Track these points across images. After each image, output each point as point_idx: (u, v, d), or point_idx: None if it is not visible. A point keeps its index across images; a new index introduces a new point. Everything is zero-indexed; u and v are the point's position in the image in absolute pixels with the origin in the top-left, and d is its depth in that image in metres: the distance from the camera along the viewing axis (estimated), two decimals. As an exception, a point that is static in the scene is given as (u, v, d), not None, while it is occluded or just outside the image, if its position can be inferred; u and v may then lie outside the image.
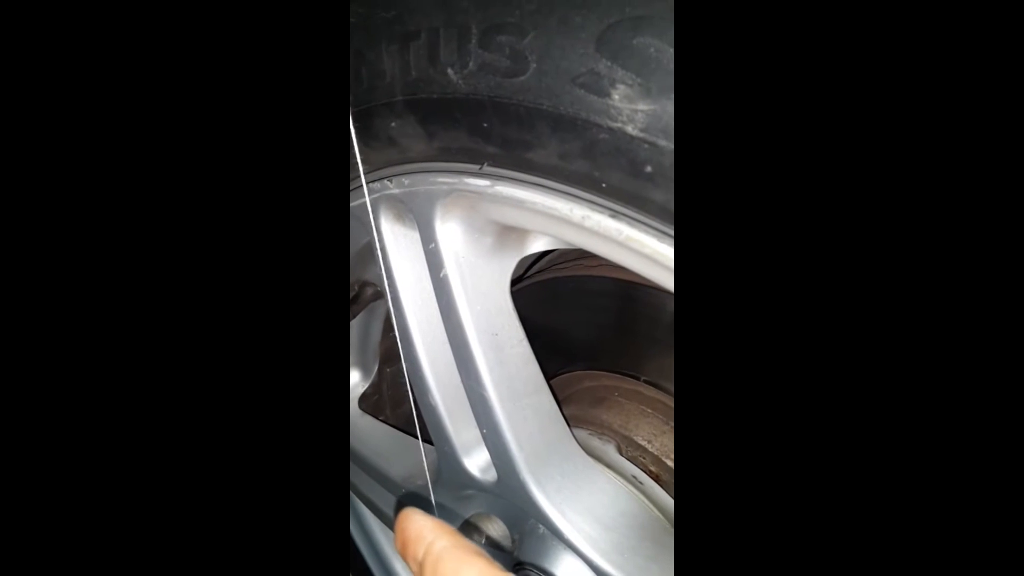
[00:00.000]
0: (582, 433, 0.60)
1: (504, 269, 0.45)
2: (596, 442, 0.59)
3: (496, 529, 0.65)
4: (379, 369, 0.77)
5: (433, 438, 0.55)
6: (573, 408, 0.63)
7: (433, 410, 0.52)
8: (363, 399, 0.76)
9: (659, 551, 0.48)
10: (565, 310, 0.66)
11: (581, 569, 0.52)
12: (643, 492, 0.52)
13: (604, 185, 0.31)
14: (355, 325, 0.71)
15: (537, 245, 0.45)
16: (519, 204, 0.37)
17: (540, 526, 0.53)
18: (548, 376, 0.50)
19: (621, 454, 0.58)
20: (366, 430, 0.73)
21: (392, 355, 0.78)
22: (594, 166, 0.31)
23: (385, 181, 0.44)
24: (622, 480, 0.53)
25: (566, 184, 0.34)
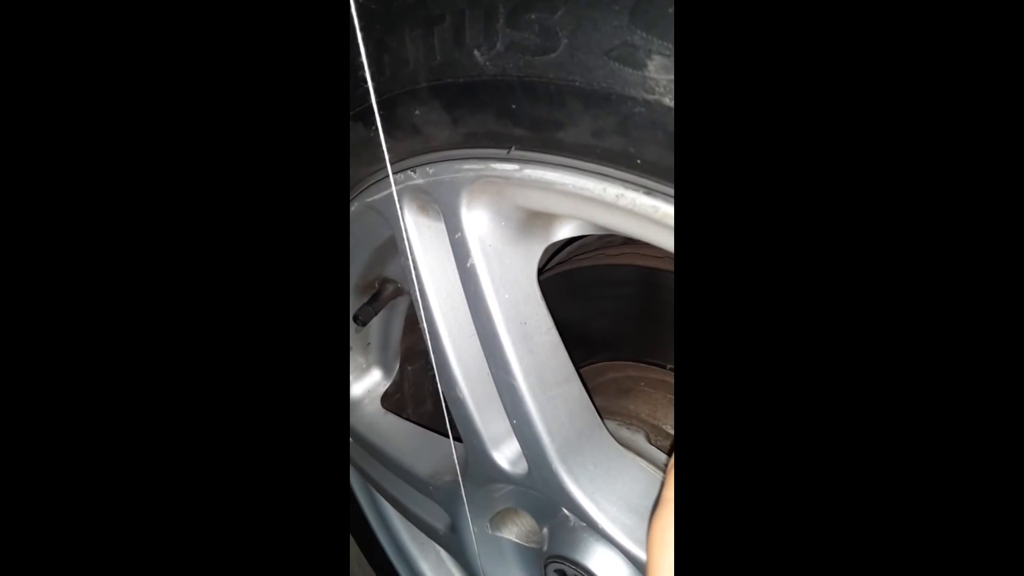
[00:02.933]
0: (611, 423, 0.59)
1: (531, 256, 0.45)
2: (625, 432, 0.58)
3: (524, 524, 0.65)
4: (400, 367, 0.77)
5: (461, 432, 0.54)
6: (600, 399, 0.62)
7: (461, 403, 0.51)
8: (385, 398, 0.75)
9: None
10: (587, 300, 0.65)
11: (615, 559, 0.51)
12: (676, 480, 0.52)
13: (639, 161, 0.31)
14: (376, 323, 0.71)
15: (565, 231, 0.44)
16: (548, 187, 0.36)
17: (570, 518, 0.52)
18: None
19: (650, 443, 0.58)
20: (390, 428, 0.72)
21: (413, 353, 0.77)
22: (629, 142, 0.30)
23: (409, 172, 0.44)
24: (654, 468, 0.52)
25: (598, 163, 0.33)
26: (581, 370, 0.66)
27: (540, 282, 0.47)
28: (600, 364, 0.67)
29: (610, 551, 0.51)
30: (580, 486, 0.48)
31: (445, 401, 0.52)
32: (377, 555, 0.85)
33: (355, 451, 0.77)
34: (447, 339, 0.49)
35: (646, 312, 0.63)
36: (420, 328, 0.51)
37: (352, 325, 0.69)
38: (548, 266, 0.69)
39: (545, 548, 0.57)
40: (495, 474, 0.54)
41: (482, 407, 0.51)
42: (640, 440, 0.57)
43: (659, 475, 0.51)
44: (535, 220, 0.43)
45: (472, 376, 0.50)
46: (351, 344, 0.72)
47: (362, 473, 0.77)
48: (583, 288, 0.64)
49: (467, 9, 0.33)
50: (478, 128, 0.37)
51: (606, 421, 0.59)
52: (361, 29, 0.37)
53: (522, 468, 0.51)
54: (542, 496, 0.52)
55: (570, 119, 0.32)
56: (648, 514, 0.48)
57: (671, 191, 0.32)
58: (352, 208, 0.52)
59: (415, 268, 0.47)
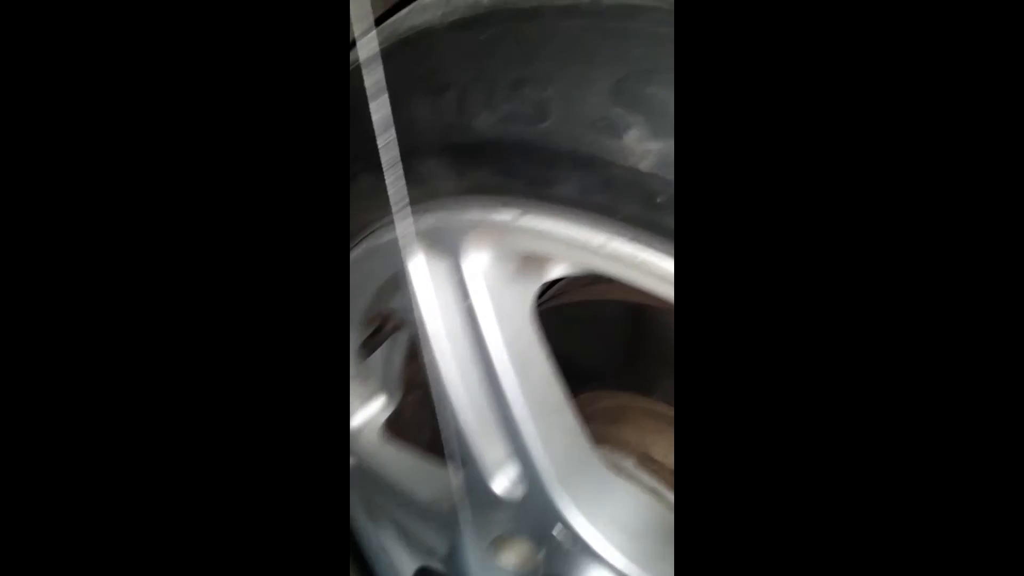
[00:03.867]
0: (601, 450, 0.63)
1: (527, 294, 0.49)
2: (615, 458, 0.61)
3: (520, 550, 0.67)
4: (401, 398, 0.80)
5: (461, 460, 0.57)
6: (591, 427, 0.66)
7: (460, 433, 0.55)
8: (387, 425, 0.78)
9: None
10: (579, 334, 0.69)
11: (607, 579, 0.54)
12: (664, 503, 0.55)
13: (620, 216, 0.35)
14: (379, 354, 0.74)
15: (556, 272, 0.48)
16: (543, 235, 0.41)
17: (565, 542, 0.55)
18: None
19: (640, 469, 0.61)
20: (391, 456, 0.75)
21: (413, 383, 0.81)
22: (611, 199, 0.35)
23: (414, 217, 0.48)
24: (644, 492, 0.55)
25: (586, 213, 0.37)
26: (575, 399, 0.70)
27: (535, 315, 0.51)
28: (593, 394, 0.70)
29: (603, 571, 0.54)
30: (577, 506, 0.51)
31: (445, 431, 0.56)
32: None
33: (356, 475, 0.80)
34: (446, 371, 0.52)
35: (634, 345, 0.67)
36: (420, 360, 0.55)
37: (356, 356, 0.73)
38: (541, 300, 0.73)
39: (541, 572, 0.60)
40: (493, 500, 0.57)
41: (479, 436, 0.55)
42: (630, 466, 0.61)
43: (648, 497, 0.55)
44: (530, 262, 0.47)
45: (470, 407, 0.54)
46: (356, 373, 0.76)
47: (363, 498, 0.80)
48: (574, 323, 0.68)
49: (470, 82, 0.38)
50: (479, 181, 0.41)
51: (599, 448, 0.62)
52: (372, 97, 0.42)
53: (519, 493, 0.55)
54: (538, 521, 0.55)
55: (560, 178, 0.36)
56: (637, 533, 0.51)
57: (648, 240, 0.36)
58: (358, 252, 0.56)
59: (418, 306, 0.50)
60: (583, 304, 0.69)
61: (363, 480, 0.78)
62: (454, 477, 0.61)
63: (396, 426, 0.80)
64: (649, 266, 0.37)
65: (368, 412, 0.78)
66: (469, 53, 0.38)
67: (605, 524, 0.52)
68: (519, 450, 0.51)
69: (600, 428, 0.66)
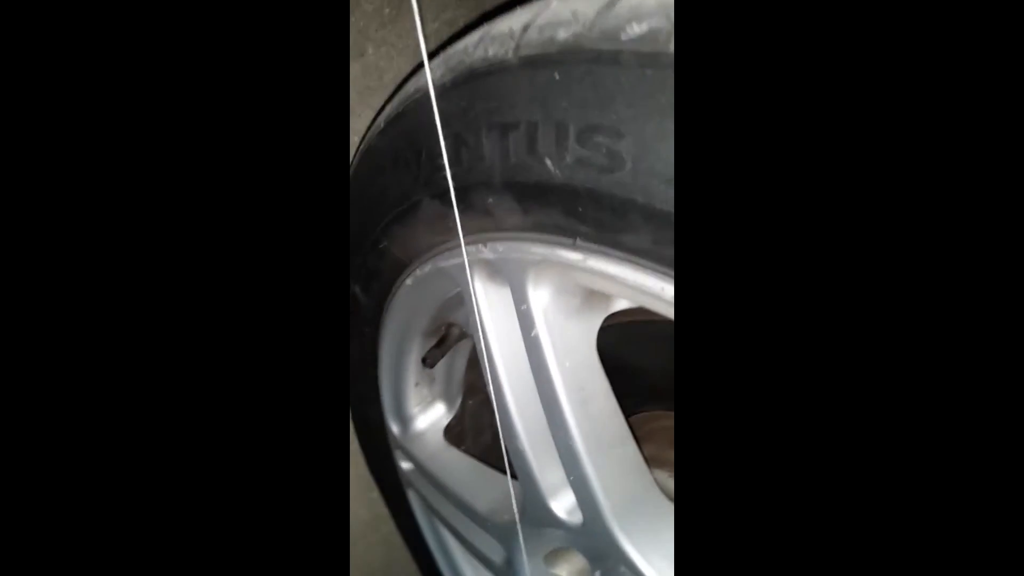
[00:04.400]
0: (662, 475, 0.61)
1: (591, 327, 0.48)
2: (673, 483, 0.60)
3: (576, 564, 0.68)
4: (462, 402, 0.81)
5: (520, 479, 0.58)
6: (650, 447, 0.64)
7: (521, 454, 0.55)
8: (447, 431, 0.80)
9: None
10: (639, 352, 0.68)
11: (664, 610, 0.53)
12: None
13: (695, 269, 0.34)
14: (442, 362, 0.75)
15: (623, 304, 0.47)
16: (610, 278, 0.39)
17: (623, 567, 0.55)
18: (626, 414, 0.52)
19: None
20: (451, 461, 0.77)
21: (474, 389, 0.82)
22: (686, 253, 0.33)
23: (479, 246, 0.48)
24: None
25: (657, 264, 0.36)
26: (635, 417, 0.68)
27: (600, 331, 0.49)
28: (652, 412, 0.69)
29: (659, 602, 0.53)
30: (631, 540, 0.51)
31: (507, 451, 0.56)
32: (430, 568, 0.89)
33: (417, 478, 0.82)
34: (510, 396, 0.52)
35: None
36: (480, 367, 0.55)
37: (419, 364, 0.74)
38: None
39: (596, 590, 0.60)
40: (551, 520, 0.57)
41: (540, 459, 0.55)
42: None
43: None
44: (595, 296, 0.46)
45: (532, 430, 0.53)
46: (419, 380, 0.77)
47: (423, 498, 0.82)
48: (638, 341, 0.67)
49: (541, 122, 0.37)
50: (546, 219, 0.41)
51: (658, 471, 0.61)
52: (441, 124, 0.42)
53: (577, 519, 0.54)
54: (594, 546, 0.55)
55: (631, 228, 0.35)
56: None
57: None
58: (425, 270, 0.57)
59: (483, 332, 0.50)
60: (642, 323, 0.67)
61: (424, 482, 0.80)
62: (514, 494, 0.61)
63: (456, 430, 0.81)
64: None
65: (430, 417, 0.79)
66: (541, 92, 0.36)
67: (661, 556, 0.51)
68: (578, 480, 0.50)
69: (659, 450, 0.65)
